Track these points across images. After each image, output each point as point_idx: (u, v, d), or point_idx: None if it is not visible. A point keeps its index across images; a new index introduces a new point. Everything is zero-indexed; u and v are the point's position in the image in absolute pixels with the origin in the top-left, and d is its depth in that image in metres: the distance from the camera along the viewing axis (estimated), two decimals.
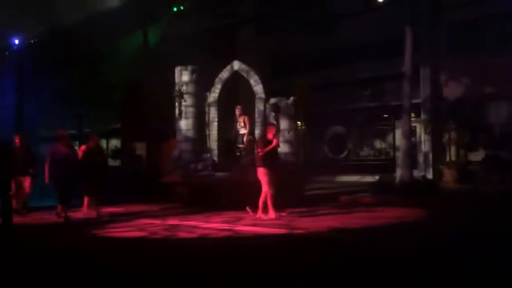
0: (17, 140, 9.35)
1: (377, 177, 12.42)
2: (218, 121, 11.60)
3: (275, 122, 10.85)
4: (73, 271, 4.66)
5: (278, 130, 10.93)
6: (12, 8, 16.01)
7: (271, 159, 7.96)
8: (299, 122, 12.45)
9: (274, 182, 7.80)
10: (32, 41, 18.29)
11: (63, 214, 8.26)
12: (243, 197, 9.54)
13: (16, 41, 18.51)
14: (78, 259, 5.25)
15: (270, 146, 7.98)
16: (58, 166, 8.26)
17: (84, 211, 8.97)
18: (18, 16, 16.44)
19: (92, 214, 8.80)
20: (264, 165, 7.83)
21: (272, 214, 7.79)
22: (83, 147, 9.19)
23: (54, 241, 6.65)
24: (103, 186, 9.07)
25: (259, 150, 7.97)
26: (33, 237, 7.17)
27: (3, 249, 6.03)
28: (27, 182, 9.24)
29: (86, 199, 9.04)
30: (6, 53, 18.51)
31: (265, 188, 7.82)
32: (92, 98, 18.58)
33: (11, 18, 16.42)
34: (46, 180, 8.40)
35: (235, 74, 11.65)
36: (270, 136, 8.18)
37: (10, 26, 16.97)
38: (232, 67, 11.62)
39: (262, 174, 7.84)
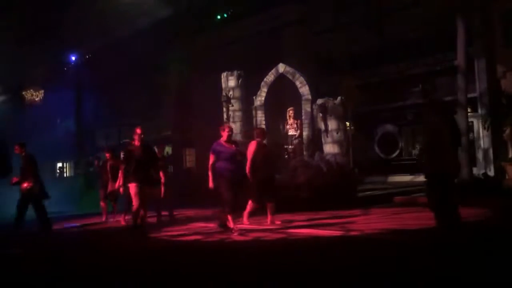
0: (136, 135, 7.13)
1: None
2: (266, 124, 11.66)
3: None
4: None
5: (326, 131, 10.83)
6: (68, 25, 17.02)
7: None
8: (347, 123, 12.22)
9: None
10: (87, 56, 19.35)
11: (230, 225, 6.84)
12: (293, 199, 9.50)
13: (73, 58, 19.74)
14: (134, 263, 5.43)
15: None
16: (224, 167, 6.86)
17: (244, 221, 7.51)
18: (73, 33, 17.47)
19: (277, 222, 7.42)
20: None
21: None
22: (253, 143, 7.55)
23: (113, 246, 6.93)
24: (275, 188, 7.63)
25: None
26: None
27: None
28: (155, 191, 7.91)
29: (250, 204, 7.51)
30: (65, 68, 19.72)
31: None
32: (144, 107, 19.35)
33: (68, 35, 17.48)
34: (211, 185, 6.92)
35: (281, 77, 11.68)
36: None
37: (67, 43, 18.08)
38: (277, 70, 11.66)
39: None
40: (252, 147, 7.44)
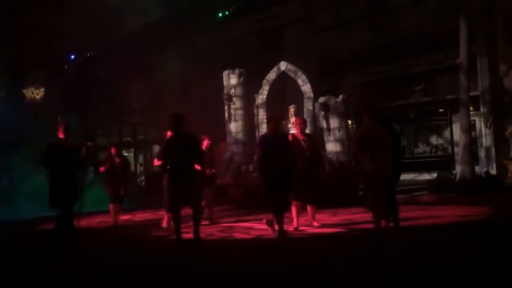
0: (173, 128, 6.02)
1: (434, 175, 11.87)
2: (267, 123, 11.61)
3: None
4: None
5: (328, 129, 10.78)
6: (68, 24, 16.99)
7: None
8: (349, 121, 12.18)
9: None
10: (88, 54, 19.34)
11: (276, 227, 6.04)
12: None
13: (72, 56, 19.76)
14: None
15: None
16: (270, 162, 6.01)
17: (294, 224, 6.72)
18: (74, 30, 17.43)
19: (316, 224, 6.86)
20: None
21: None
22: (289, 136, 6.93)
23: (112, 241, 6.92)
24: (318, 186, 6.77)
25: None
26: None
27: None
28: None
29: (293, 207, 6.68)
30: (65, 67, 19.72)
31: None
32: (145, 105, 19.32)
33: (68, 34, 17.45)
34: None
35: (283, 75, 11.63)
36: None
37: (67, 42, 18.04)
38: (279, 68, 11.62)
39: None
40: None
